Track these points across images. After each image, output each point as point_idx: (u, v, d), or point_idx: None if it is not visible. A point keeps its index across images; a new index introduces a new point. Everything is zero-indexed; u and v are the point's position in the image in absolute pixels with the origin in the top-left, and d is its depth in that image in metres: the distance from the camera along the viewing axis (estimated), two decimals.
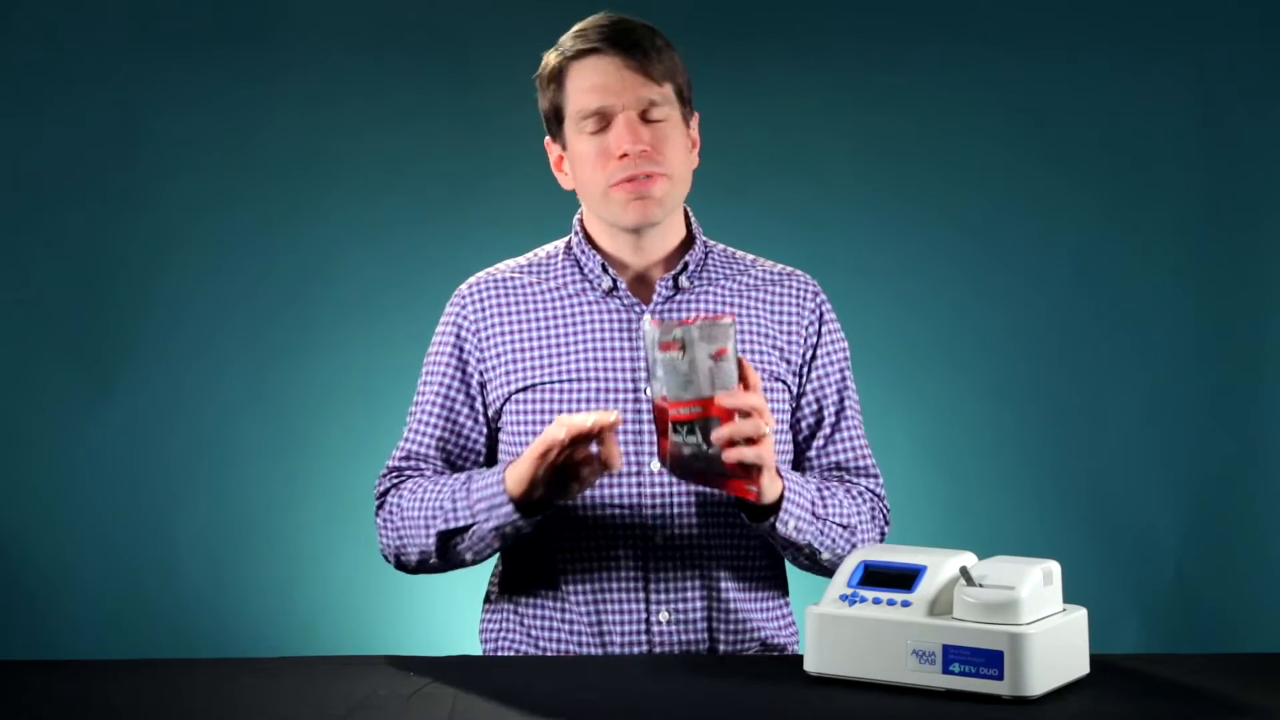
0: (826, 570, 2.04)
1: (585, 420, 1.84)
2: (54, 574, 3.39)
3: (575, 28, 2.08)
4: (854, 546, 2.05)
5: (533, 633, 2.08)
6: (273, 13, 3.47)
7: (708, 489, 2.02)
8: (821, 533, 2.01)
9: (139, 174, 3.43)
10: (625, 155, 2.02)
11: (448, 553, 2.03)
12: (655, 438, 2.02)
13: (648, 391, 1.86)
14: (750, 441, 1.82)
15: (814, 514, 2.00)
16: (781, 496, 1.95)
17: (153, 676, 1.84)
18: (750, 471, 1.85)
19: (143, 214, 3.43)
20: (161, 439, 3.42)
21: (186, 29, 3.44)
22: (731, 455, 1.82)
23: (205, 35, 3.45)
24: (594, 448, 1.88)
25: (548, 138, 2.15)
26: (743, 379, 1.84)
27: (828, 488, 2.06)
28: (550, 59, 2.09)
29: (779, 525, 1.96)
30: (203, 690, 1.75)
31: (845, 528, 2.05)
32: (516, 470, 1.92)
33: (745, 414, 1.82)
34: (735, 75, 3.46)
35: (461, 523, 1.98)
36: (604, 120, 2.04)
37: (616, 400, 2.05)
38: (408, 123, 3.48)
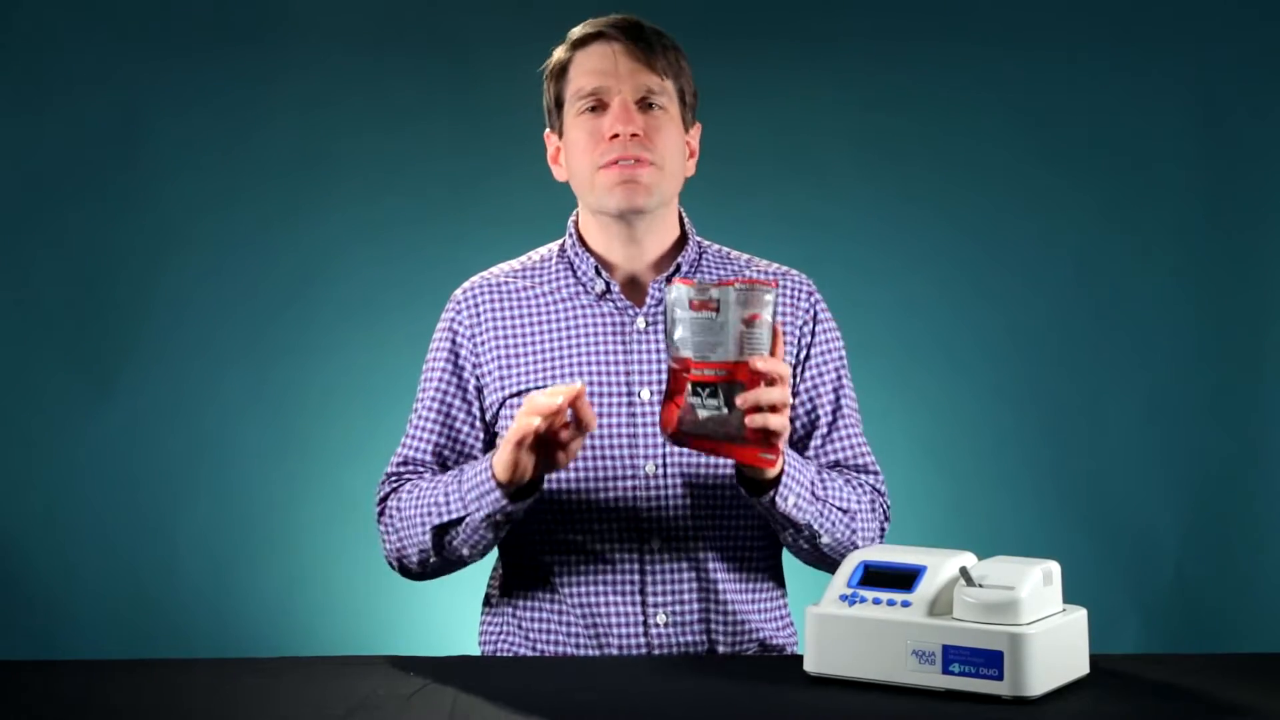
0: (827, 558, 2.04)
1: (554, 400, 1.83)
2: (54, 574, 3.39)
3: (585, 23, 2.10)
4: (854, 533, 2.05)
5: (530, 636, 2.08)
6: (273, 13, 3.47)
7: (704, 481, 2.03)
8: (821, 514, 2.00)
9: (139, 174, 3.43)
10: (616, 136, 2.03)
11: (444, 548, 2.02)
12: (652, 432, 2.03)
13: (670, 356, 1.83)
14: (774, 411, 1.81)
15: (813, 494, 1.99)
16: (782, 472, 1.94)
17: (153, 676, 1.84)
18: (769, 439, 1.83)
19: (143, 214, 3.43)
20: (161, 439, 3.42)
21: (186, 29, 3.45)
22: (756, 420, 1.80)
23: (205, 35, 3.45)
24: (569, 415, 1.87)
25: (547, 130, 2.16)
26: (774, 347, 1.83)
27: (827, 473, 2.05)
28: (557, 52, 2.11)
29: (779, 500, 1.94)
30: (203, 690, 1.75)
31: (845, 512, 2.04)
32: (500, 457, 1.91)
33: (771, 381, 1.81)
34: (736, 75, 3.46)
35: (454, 515, 1.98)
36: (601, 104, 2.06)
37: (610, 404, 2.05)
38: (408, 123, 3.48)
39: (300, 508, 3.44)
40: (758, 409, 1.80)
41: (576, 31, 2.10)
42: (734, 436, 1.82)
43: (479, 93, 3.47)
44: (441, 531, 2.01)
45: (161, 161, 3.44)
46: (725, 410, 1.80)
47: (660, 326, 2.08)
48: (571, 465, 2.03)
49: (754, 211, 3.41)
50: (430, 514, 2.00)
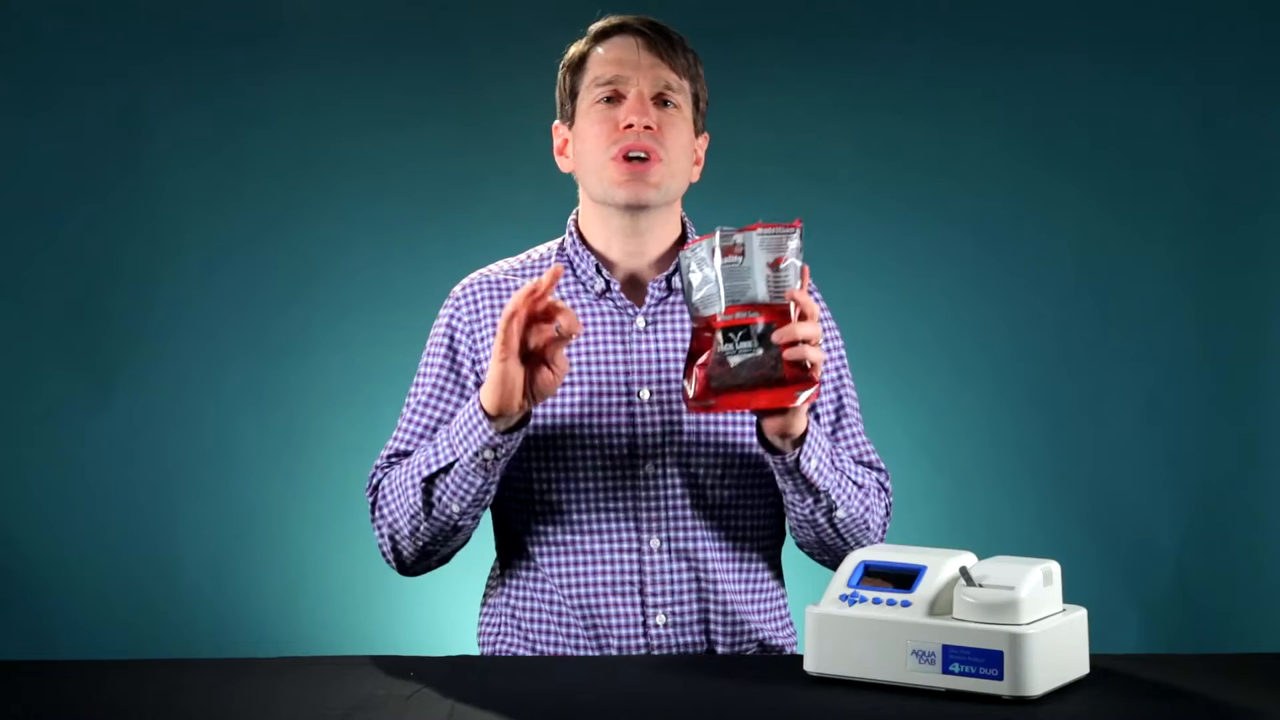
0: (837, 540, 2.03)
1: (530, 283, 1.82)
2: (53, 574, 3.39)
3: (604, 19, 2.11)
4: (867, 510, 2.05)
5: (530, 636, 2.08)
6: (272, 13, 3.47)
7: (703, 481, 2.03)
8: (839, 485, 2.00)
9: (139, 174, 3.43)
10: (630, 127, 2.03)
11: (434, 507, 1.97)
12: (651, 432, 2.03)
13: (693, 312, 1.83)
14: (809, 344, 1.82)
15: (832, 463, 2.00)
16: (806, 431, 1.93)
17: (153, 676, 1.83)
18: (807, 374, 1.83)
19: (143, 214, 3.43)
20: (161, 439, 3.42)
21: (186, 29, 3.44)
22: (792, 354, 1.81)
23: (205, 35, 3.45)
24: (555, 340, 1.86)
25: (556, 122, 2.16)
26: (802, 286, 1.84)
27: (836, 451, 2.05)
28: (577, 44, 2.11)
29: (803, 459, 1.94)
30: (203, 690, 1.75)
31: (859, 487, 2.05)
32: (488, 381, 1.88)
33: (803, 317, 1.82)
34: (735, 75, 3.46)
35: (444, 462, 1.96)
36: (617, 94, 2.06)
37: (610, 403, 2.05)
38: (408, 123, 3.48)
39: (300, 508, 3.44)
40: (793, 343, 1.81)
41: (598, 25, 2.11)
42: (769, 378, 1.82)
43: (479, 93, 3.47)
44: (430, 485, 1.97)
45: (161, 161, 3.44)
46: (760, 350, 1.81)
47: (660, 327, 2.08)
48: (571, 466, 2.03)
49: (754, 212, 3.39)
50: (420, 471, 1.98)
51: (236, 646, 3.33)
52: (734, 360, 1.81)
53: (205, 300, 3.44)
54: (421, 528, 2.01)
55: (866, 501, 2.06)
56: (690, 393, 1.85)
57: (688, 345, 2.03)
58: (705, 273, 1.83)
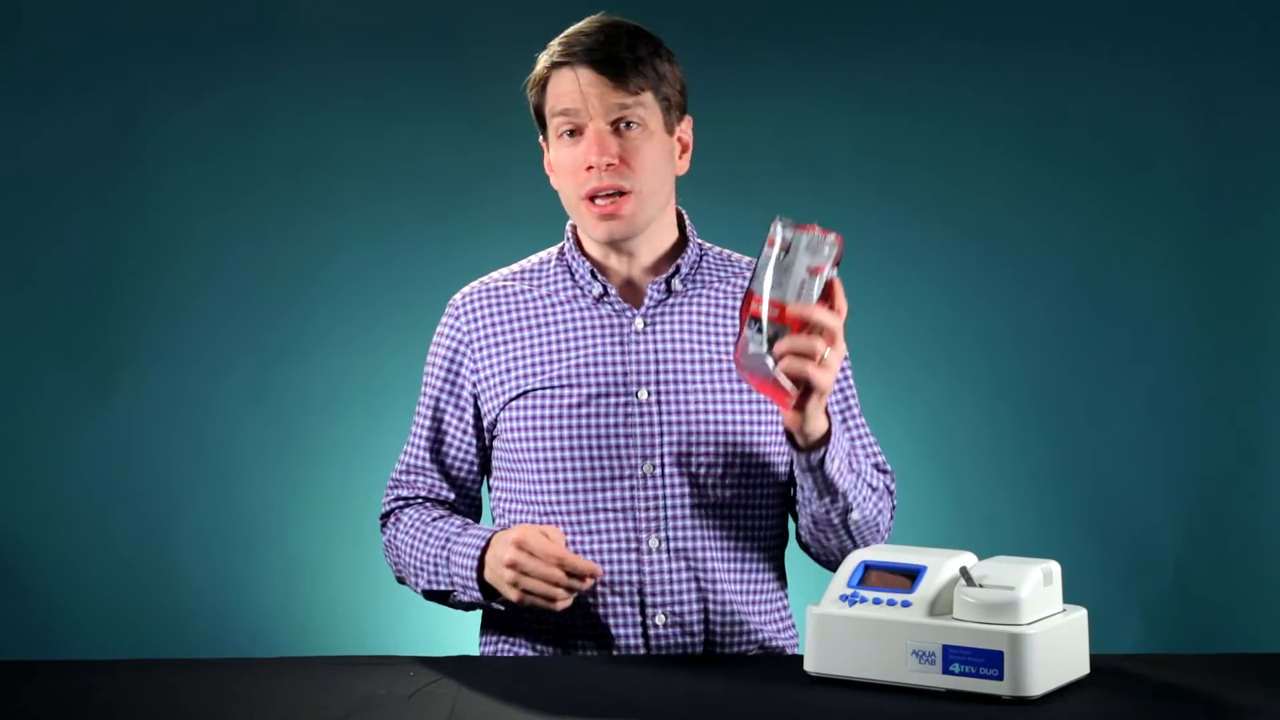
0: (852, 538, 2.04)
1: (578, 562, 1.90)
2: (54, 574, 3.39)
3: (565, 32, 2.08)
4: (879, 513, 2.06)
5: (530, 636, 2.08)
6: (272, 13, 3.47)
7: (703, 481, 2.03)
8: (855, 486, 2.01)
9: (139, 174, 3.43)
10: (592, 168, 2.03)
11: (442, 600, 2.10)
12: (650, 433, 2.04)
13: (749, 287, 1.84)
14: (814, 362, 1.81)
15: (850, 465, 2.00)
16: (829, 432, 1.93)
17: (153, 676, 1.84)
18: (799, 386, 1.83)
19: (143, 214, 3.43)
20: (161, 439, 3.42)
21: (186, 29, 3.44)
22: (783, 366, 1.81)
23: (205, 35, 3.45)
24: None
25: (540, 136, 2.15)
26: (830, 300, 1.83)
27: (854, 451, 2.05)
28: (538, 64, 2.09)
29: (827, 461, 1.94)
30: (203, 690, 1.75)
31: (874, 490, 2.06)
32: (492, 559, 1.96)
33: (816, 332, 1.81)
34: (735, 75, 3.46)
35: (443, 588, 2.06)
36: (577, 128, 2.05)
37: (609, 404, 2.05)
38: (407, 123, 3.48)
39: (300, 507, 3.44)
40: (793, 355, 1.81)
41: (553, 47, 2.07)
42: (769, 377, 1.83)
43: (478, 93, 3.47)
44: (431, 594, 2.09)
45: (161, 161, 3.44)
46: (765, 349, 1.82)
47: (659, 328, 2.09)
48: (569, 466, 2.04)
49: (754, 212, 3.39)
50: (422, 574, 2.08)
51: (236, 646, 3.33)
52: (750, 348, 1.83)
53: (205, 300, 3.44)
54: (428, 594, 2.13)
55: (880, 505, 2.07)
56: (734, 350, 1.87)
57: (687, 344, 2.04)
58: (766, 251, 1.83)
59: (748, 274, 2.17)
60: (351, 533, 3.28)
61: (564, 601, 1.91)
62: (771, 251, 1.81)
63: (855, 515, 2.02)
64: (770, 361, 1.82)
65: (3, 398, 3.40)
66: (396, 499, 2.17)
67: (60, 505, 3.39)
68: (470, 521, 2.11)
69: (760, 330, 1.82)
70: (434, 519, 2.10)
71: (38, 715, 1.69)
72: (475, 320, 2.13)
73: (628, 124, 2.04)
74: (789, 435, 1.94)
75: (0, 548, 3.38)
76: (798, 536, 2.15)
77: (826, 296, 1.82)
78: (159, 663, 1.95)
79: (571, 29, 2.08)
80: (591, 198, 2.04)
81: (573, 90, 2.04)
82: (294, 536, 3.44)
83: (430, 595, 2.10)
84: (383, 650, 3.12)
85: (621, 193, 2.04)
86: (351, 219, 3.48)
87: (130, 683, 1.80)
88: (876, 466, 2.15)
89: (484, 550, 1.98)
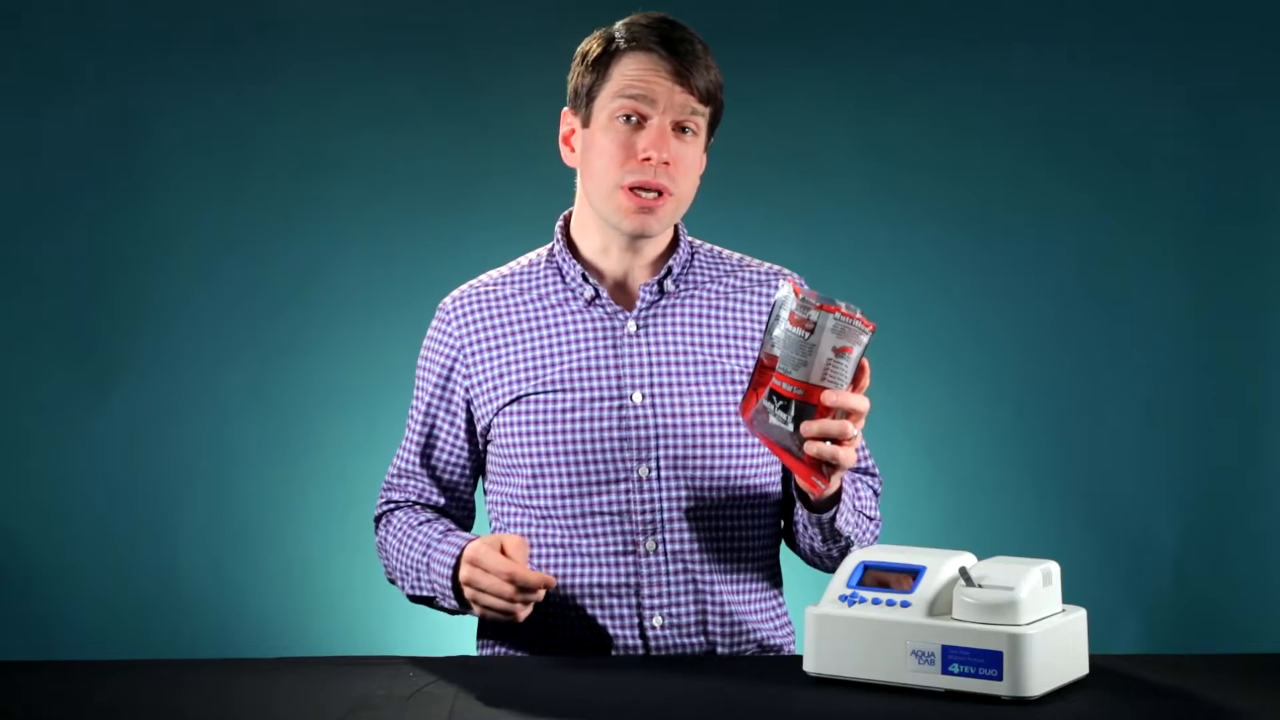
0: (841, 558, 2.03)
1: (529, 576, 1.89)
2: (54, 574, 3.39)
3: (631, 18, 2.06)
4: (875, 540, 2.09)
5: (528, 637, 2.08)
6: (272, 13, 3.47)
7: (697, 482, 2.04)
8: (858, 525, 2.03)
9: (139, 174, 3.43)
10: (649, 160, 2.01)
11: (431, 605, 2.10)
12: (644, 435, 2.03)
13: (762, 348, 1.83)
14: (837, 443, 1.81)
15: (854, 506, 2.01)
16: (840, 489, 1.94)
17: (153, 676, 1.84)
18: (823, 468, 1.84)
19: (143, 214, 3.43)
20: (161, 439, 3.42)
21: (186, 29, 3.44)
22: (812, 450, 1.81)
23: (205, 35, 3.45)
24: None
25: (567, 108, 2.11)
26: (855, 381, 1.82)
27: (856, 489, 2.06)
28: (597, 41, 2.06)
29: (838, 519, 1.97)
30: (202, 690, 1.75)
31: (871, 520, 2.08)
32: (465, 572, 1.96)
33: (844, 415, 1.81)
34: (736, 75, 3.43)
35: (425, 593, 2.06)
36: (639, 118, 2.02)
37: (602, 408, 2.04)
38: (407, 122, 3.48)
39: (300, 507, 3.44)
40: (821, 439, 1.80)
41: (624, 29, 2.04)
42: (793, 454, 1.83)
43: (479, 93, 3.47)
44: (418, 599, 2.10)
45: (161, 161, 3.44)
46: (790, 428, 1.81)
47: (652, 330, 2.08)
48: (565, 469, 2.04)
49: (754, 212, 3.40)
50: (407, 578, 2.09)
51: (236, 646, 3.33)
52: (771, 420, 1.82)
53: (205, 300, 3.44)
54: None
55: (876, 532, 2.10)
56: (743, 412, 1.86)
57: (680, 347, 2.03)
58: (784, 322, 1.81)
59: (740, 272, 2.16)
60: (351, 532, 3.28)
61: (524, 612, 1.91)
62: (794, 329, 1.78)
63: (853, 546, 2.04)
64: (795, 441, 1.82)
65: (3, 398, 3.40)
66: (388, 502, 2.18)
67: (60, 505, 3.39)
68: (453, 527, 2.09)
69: (785, 409, 1.81)
70: (419, 523, 2.10)
71: (38, 715, 1.69)
72: (466, 325, 2.12)
73: (684, 129, 2.04)
74: (799, 493, 1.96)
75: (0, 548, 3.38)
76: (789, 543, 2.15)
77: (855, 380, 1.82)
78: (159, 663, 1.95)
79: (638, 16, 2.05)
80: (633, 188, 2.03)
81: (650, 78, 2.01)
82: (294, 536, 3.44)
83: (416, 600, 2.10)
84: (382, 651, 3.12)
85: (663, 193, 2.03)
86: (351, 219, 3.48)
87: (130, 683, 1.80)
88: (865, 471, 2.15)
89: (458, 561, 1.98)
